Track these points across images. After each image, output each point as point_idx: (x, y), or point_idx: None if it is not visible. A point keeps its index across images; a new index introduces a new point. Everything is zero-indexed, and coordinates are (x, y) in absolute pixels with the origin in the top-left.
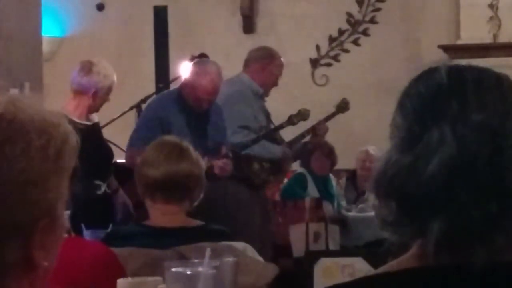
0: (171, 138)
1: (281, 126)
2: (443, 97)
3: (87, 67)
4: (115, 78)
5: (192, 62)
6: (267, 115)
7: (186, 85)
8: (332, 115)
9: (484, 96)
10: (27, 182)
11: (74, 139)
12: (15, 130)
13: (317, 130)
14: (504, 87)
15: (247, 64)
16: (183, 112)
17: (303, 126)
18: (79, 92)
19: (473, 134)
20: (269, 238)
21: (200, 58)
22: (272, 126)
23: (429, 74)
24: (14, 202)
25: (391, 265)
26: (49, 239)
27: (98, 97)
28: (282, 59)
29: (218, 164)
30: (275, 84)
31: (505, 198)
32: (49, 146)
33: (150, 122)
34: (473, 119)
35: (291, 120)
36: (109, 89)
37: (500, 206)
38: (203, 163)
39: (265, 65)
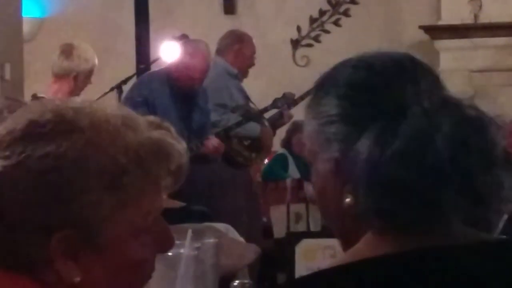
0: (151, 118)
1: (266, 109)
2: (397, 84)
3: (68, 51)
4: (96, 61)
5: (181, 42)
6: (246, 96)
7: (177, 65)
8: (307, 94)
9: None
10: (50, 185)
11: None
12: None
13: (278, 103)
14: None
15: (219, 51)
16: (169, 93)
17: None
18: (60, 76)
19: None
20: (257, 218)
21: (185, 38)
22: (252, 106)
23: (360, 66)
24: (35, 199)
25: (351, 256)
26: (87, 257)
27: (79, 80)
28: (253, 40)
29: (211, 143)
30: (251, 65)
31: (464, 181)
32: (66, 154)
33: (136, 102)
34: (439, 95)
35: (276, 104)
36: (90, 72)
37: (458, 189)
38: (184, 145)
39: (237, 51)
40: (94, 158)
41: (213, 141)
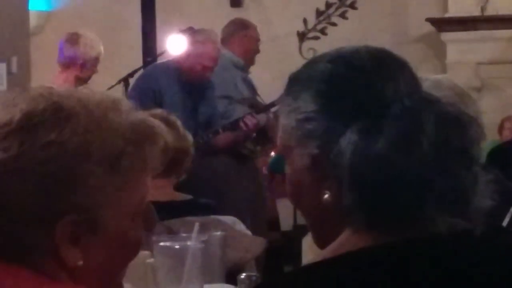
0: (158, 111)
1: (273, 104)
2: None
3: (73, 39)
4: (101, 48)
5: (190, 32)
6: (252, 88)
7: (188, 56)
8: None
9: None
10: (55, 173)
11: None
12: (35, 129)
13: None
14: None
15: (224, 41)
16: (176, 85)
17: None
18: (66, 64)
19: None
20: (263, 211)
21: (194, 29)
22: (258, 99)
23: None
24: (39, 188)
25: (333, 251)
26: (88, 240)
27: (86, 68)
28: (259, 32)
29: (249, 119)
30: (257, 51)
31: (447, 178)
32: (72, 141)
33: (143, 94)
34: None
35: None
36: (96, 60)
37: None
38: (191, 137)
39: (241, 36)
40: (95, 143)
41: (250, 118)
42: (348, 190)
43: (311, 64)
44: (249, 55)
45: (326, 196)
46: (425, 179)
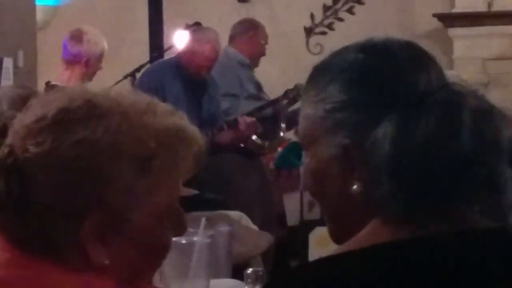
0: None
1: (277, 100)
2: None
3: (77, 36)
4: (105, 44)
5: (190, 30)
6: (258, 85)
7: (185, 52)
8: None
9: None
10: (85, 171)
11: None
12: (67, 126)
13: (289, 94)
14: None
15: (232, 39)
16: (180, 82)
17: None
18: (71, 62)
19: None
20: (270, 206)
21: (197, 26)
22: (264, 96)
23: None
24: (68, 185)
25: (360, 242)
26: (115, 240)
27: (91, 65)
28: (266, 28)
29: (244, 120)
30: (263, 53)
31: (483, 171)
32: (104, 138)
33: (147, 90)
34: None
35: (287, 95)
36: (100, 56)
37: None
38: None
39: (250, 37)
40: (126, 143)
41: (245, 118)
42: (385, 180)
43: (339, 54)
44: (255, 56)
45: (355, 187)
46: (462, 170)
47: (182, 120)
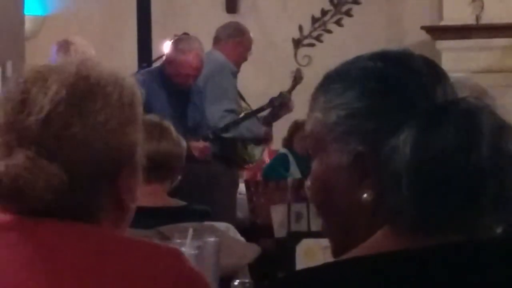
0: (151, 117)
1: (262, 109)
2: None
3: (65, 47)
4: (93, 52)
5: (174, 39)
6: (240, 95)
7: (170, 62)
8: (292, 88)
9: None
10: (109, 132)
11: (138, 89)
12: (93, 85)
13: (274, 102)
14: None
15: (217, 41)
16: (165, 91)
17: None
18: None
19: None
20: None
21: (180, 36)
22: (245, 105)
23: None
24: (100, 151)
25: (368, 249)
26: (133, 183)
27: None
28: (255, 38)
29: (198, 146)
30: (245, 59)
31: (501, 184)
32: (123, 97)
33: None
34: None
35: (272, 103)
36: None
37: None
38: (184, 143)
39: (236, 43)
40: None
41: (199, 145)
42: (404, 186)
43: (354, 63)
44: (239, 61)
45: (365, 195)
46: (480, 182)
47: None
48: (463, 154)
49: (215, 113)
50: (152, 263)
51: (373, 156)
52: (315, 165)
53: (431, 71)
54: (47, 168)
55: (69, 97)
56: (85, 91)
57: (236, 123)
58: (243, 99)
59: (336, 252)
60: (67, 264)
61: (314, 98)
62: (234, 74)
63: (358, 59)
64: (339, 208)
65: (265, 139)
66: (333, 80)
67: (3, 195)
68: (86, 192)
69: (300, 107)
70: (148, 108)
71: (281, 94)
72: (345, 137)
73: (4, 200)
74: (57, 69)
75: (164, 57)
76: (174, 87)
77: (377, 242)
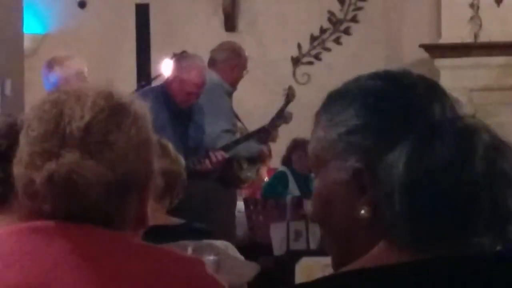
0: None
1: (264, 129)
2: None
3: (50, 64)
4: (81, 65)
5: (175, 58)
6: (235, 115)
7: (173, 80)
8: (285, 106)
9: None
10: (140, 146)
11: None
12: (121, 102)
13: (276, 123)
14: None
15: (213, 63)
16: (166, 110)
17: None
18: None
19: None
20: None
21: (182, 54)
22: (240, 125)
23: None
24: (133, 162)
25: (366, 262)
26: (149, 197)
27: (70, 85)
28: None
29: (217, 154)
30: (242, 77)
31: (495, 202)
32: (143, 116)
33: None
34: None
35: (273, 123)
36: (79, 75)
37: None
38: (183, 161)
39: (233, 66)
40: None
41: (217, 154)
42: (396, 201)
43: (355, 82)
44: (234, 83)
45: (362, 211)
46: (473, 199)
47: None
48: (455, 172)
49: (212, 133)
50: (179, 269)
51: (370, 173)
52: (316, 181)
53: (429, 90)
54: (95, 167)
55: (106, 109)
56: (117, 105)
57: (236, 143)
58: (239, 119)
59: (336, 265)
60: (107, 268)
61: (317, 116)
62: (230, 94)
63: (358, 78)
64: (338, 223)
65: (262, 158)
66: (335, 99)
67: (54, 191)
68: (120, 200)
69: (299, 125)
70: None
71: (282, 115)
72: (344, 154)
73: (56, 196)
74: (82, 88)
75: (166, 76)
76: (176, 106)
77: (375, 256)
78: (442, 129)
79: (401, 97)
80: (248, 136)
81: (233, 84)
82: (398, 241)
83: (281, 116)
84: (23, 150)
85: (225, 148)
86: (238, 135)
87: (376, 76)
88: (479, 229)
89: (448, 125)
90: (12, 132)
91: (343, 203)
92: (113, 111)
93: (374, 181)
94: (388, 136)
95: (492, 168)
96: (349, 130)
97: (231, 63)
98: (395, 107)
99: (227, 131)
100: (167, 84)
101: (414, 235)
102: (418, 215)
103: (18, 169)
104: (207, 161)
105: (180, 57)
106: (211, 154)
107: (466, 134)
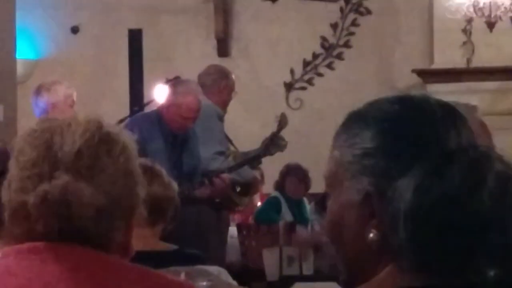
0: (142, 161)
1: (259, 156)
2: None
3: (39, 90)
4: (69, 91)
5: (170, 83)
6: (228, 138)
7: (169, 106)
8: (278, 132)
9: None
10: (128, 175)
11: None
12: (109, 132)
13: (270, 150)
14: None
15: (201, 87)
16: (160, 136)
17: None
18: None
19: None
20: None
21: (176, 80)
22: (233, 148)
23: (413, 104)
24: (121, 189)
25: (369, 286)
26: (134, 225)
27: (59, 110)
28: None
29: (225, 178)
30: (231, 99)
31: (502, 232)
32: (129, 147)
33: None
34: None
35: (268, 150)
36: (66, 98)
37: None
38: (176, 186)
39: (222, 88)
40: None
41: (224, 176)
42: (403, 229)
43: (375, 104)
44: (225, 105)
45: (371, 235)
46: (480, 230)
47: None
48: (463, 202)
49: (205, 155)
50: None
51: (379, 197)
52: (330, 202)
53: (446, 117)
54: (88, 189)
55: (97, 136)
56: (107, 133)
57: (233, 168)
58: (231, 143)
59: (345, 283)
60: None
61: (336, 137)
62: (221, 118)
63: (378, 100)
64: (348, 244)
65: (255, 183)
66: (353, 120)
67: (48, 212)
68: (109, 224)
69: (292, 150)
70: (143, 152)
71: (277, 143)
72: (358, 176)
73: (49, 216)
74: (69, 119)
75: (159, 101)
76: (171, 132)
77: (382, 279)
78: (454, 158)
79: (417, 123)
80: (248, 160)
81: (223, 107)
82: (405, 266)
83: (276, 144)
84: (13, 175)
85: (228, 171)
86: (230, 159)
87: (394, 99)
88: (485, 262)
89: (460, 154)
90: (2, 158)
91: (353, 224)
92: (103, 139)
93: (383, 206)
94: (400, 161)
95: (501, 200)
96: (364, 153)
97: (219, 85)
98: (409, 133)
99: (221, 153)
100: (162, 109)
101: (419, 261)
102: (422, 244)
103: (7, 195)
104: (209, 187)
105: (175, 82)
106: (214, 179)
107: (477, 164)
